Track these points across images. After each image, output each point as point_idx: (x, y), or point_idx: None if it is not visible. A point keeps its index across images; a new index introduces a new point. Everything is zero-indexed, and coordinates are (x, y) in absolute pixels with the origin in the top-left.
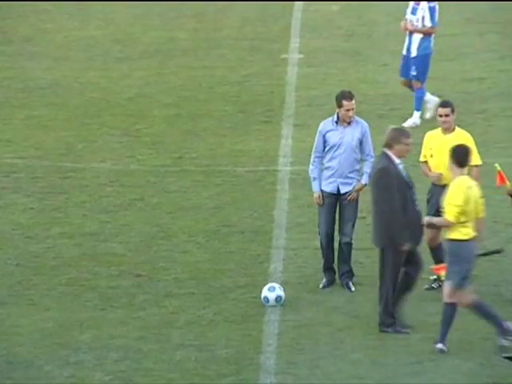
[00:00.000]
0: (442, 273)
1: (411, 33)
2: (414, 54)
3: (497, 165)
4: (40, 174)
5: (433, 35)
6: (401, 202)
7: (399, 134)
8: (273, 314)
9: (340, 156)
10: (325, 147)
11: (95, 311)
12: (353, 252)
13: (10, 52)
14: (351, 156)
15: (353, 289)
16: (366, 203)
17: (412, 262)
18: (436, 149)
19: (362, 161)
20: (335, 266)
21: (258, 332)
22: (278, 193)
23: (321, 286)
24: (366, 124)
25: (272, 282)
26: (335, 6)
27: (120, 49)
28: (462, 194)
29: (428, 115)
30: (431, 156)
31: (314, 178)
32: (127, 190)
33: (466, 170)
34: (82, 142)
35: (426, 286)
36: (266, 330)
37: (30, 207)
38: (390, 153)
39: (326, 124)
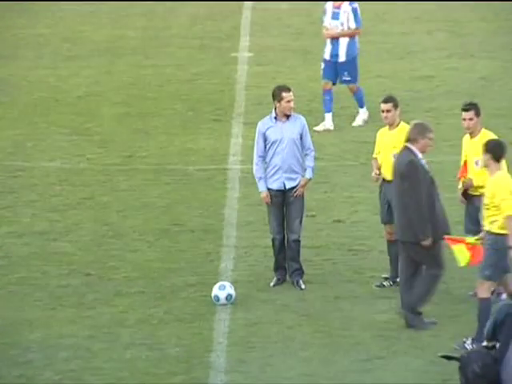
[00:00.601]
0: (455, 247)
1: (335, 38)
2: (342, 58)
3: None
4: None
5: (357, 37)
6: (427, 196)
7: (424, 129)
8: (223, 313)
9: (283, 151)
10: (266, 145)
11: (45, 310)
12: (303, 250)
13: None
14: (294, 150)
15: (303, 287)
16: (315, 201)
17: (434, 260)
18: (382, 144)
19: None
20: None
21: (208, 330)
22: (228, 191)
23: (271, 284)
24: (303, 118)
25: (222, 280)
26: (284, 4)
27: (69, 47)
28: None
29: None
30: (379, 152)
31: (260, 178)
32: (77, 189)
33: (503, 164)
34: (30, 141)
35: (377, 283)
36: (217, 329)
37: None
38: (413, 147)
39: (265, 122)
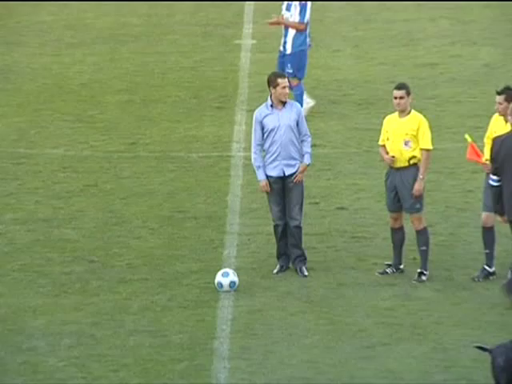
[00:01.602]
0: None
1: (286, 30)
2: (289, 50)
3: (467, 136)
4: None
5: (307, 31)
6: None
7: None
8: (226, 300)
9: (280, 138)
10: (263, 134)
11: (48, 297)
12: (306, 237)
13: None
14: (291, 137)
15: (306, 273)
16: (319, 188)
17: None
18: (391, 132)
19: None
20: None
21: (211, 317)
22: (231, 178)
23: (274, 271)
24: (299, 105)
25: (226, 267)
26: None
27: (72, 34)
28: None
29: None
30: (387, 139)
31: (259, 167)
32: (80, 176)
33: None
34: (34, 128)
35: (380, 271)
36: (220, 316)
37: None
38: None
39: (261, 110)
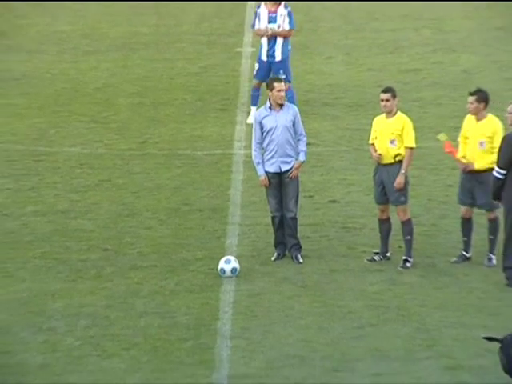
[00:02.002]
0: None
1: (271, 40)
2: (278, 58)
3: (440, 136)
4: (16, 158)
5: (290, 38)
6: None
7: None
8: (228, 284)
9: (278, 137)
10: (262, 133)
11: (66, 282)
12: (301, 227)
13: None
14: (287, 136)
15: (301, 261)
16: (313, 183)
17: None
18: (379, 131)
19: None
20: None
21: (215, 300)
22: (233, 174)
23: (272, 258)
24: (295, 107)
25: (228, 255)
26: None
27: (88, 43)
28: None
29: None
30: (375, 138)
31: (258, 163)
32: (95, 172)
33: None
34: (53, 128)
35: (368, 258)
36: (223, 299)
37: (7, 187)
38: None
39: (261, 112)
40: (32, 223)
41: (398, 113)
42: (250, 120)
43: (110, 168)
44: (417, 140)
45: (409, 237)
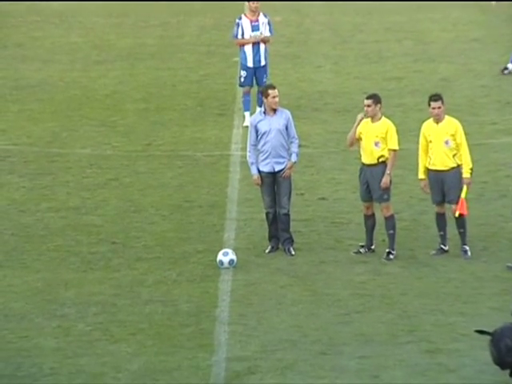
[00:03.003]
0: (463, 211)
1: (255, 47)
2: (263, 63)
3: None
4: (31, 158)
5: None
6: None
7: None
8: (226, 275)
9: (271, 140)
10: (257, 136)
11: (77, 273)
12: (293, 222)
13: (5, 56)
14: (280, 139)
15: (293, 253)
16: (304, 182)
17: None
18: (364, 134)
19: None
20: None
21: (214, 289)
22: (230, 173)
23: (266, 251)
24: (288, 112)
25: (226, 248)
26: (277, 17)
27: (98, 53)
28: None
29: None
30: (360, 139)
31: (252, 163)
32: (104, 172)
33: None
34: (66, 132)
35: (354, 250)
36: (221, 288)
37: (23, 186)
38: None
39: (256, 116)
40: (46, 219)
41: (383, 118)
42: (247, 123)
43: (118, 168)
44: (399, 142)
45: (392, 231)
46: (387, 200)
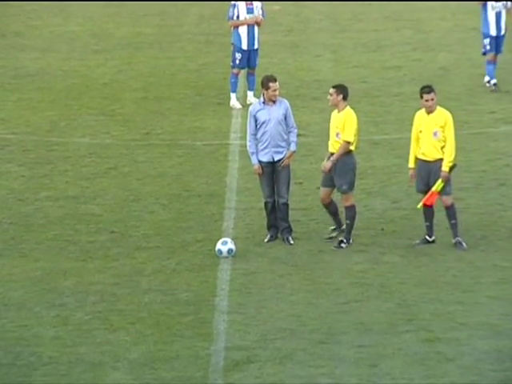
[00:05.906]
0: (428, 202)
1: (250, 30)
2: (256, 46)
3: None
4: (30, 147)
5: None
6: None
7: None
8: (225, 264)
9: (270, 130)
10: (257, 125)
11: (77, 262)
12: (292, 212)
13: (4, 45)
14: (279, 129)
15: (292, 242)
16: (303, 171)
17: None
18: (330, 125)
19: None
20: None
21: (213, 279)
22: (229, 162)
23: (265, 240)
24: (287, 102)
25: (225, 237)
26: (277, 6)
27: (96, 42)
28: None
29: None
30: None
31: (252, 153)
32: (103, 161)
33: None
34: (64, 121)
35: (326, 236)
36: (220, 277)
37: (22, 175)
38: None
39: (255, 106)
40: (45, 208)
41: (347, 108)
42: (232, 103)
43: (117, 157)
44: (398, 131)
45: (348, 221)
46: (345, 192)
